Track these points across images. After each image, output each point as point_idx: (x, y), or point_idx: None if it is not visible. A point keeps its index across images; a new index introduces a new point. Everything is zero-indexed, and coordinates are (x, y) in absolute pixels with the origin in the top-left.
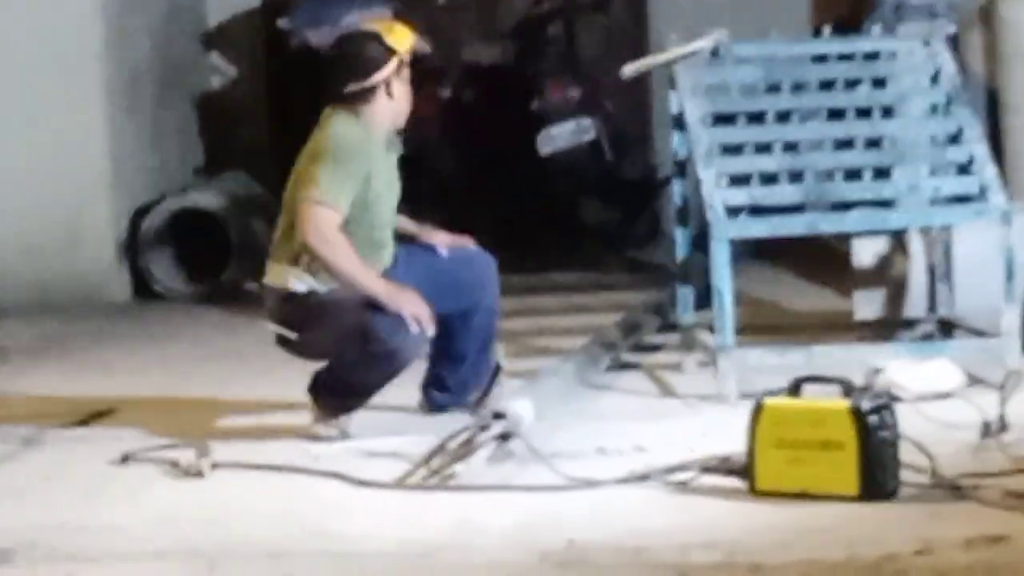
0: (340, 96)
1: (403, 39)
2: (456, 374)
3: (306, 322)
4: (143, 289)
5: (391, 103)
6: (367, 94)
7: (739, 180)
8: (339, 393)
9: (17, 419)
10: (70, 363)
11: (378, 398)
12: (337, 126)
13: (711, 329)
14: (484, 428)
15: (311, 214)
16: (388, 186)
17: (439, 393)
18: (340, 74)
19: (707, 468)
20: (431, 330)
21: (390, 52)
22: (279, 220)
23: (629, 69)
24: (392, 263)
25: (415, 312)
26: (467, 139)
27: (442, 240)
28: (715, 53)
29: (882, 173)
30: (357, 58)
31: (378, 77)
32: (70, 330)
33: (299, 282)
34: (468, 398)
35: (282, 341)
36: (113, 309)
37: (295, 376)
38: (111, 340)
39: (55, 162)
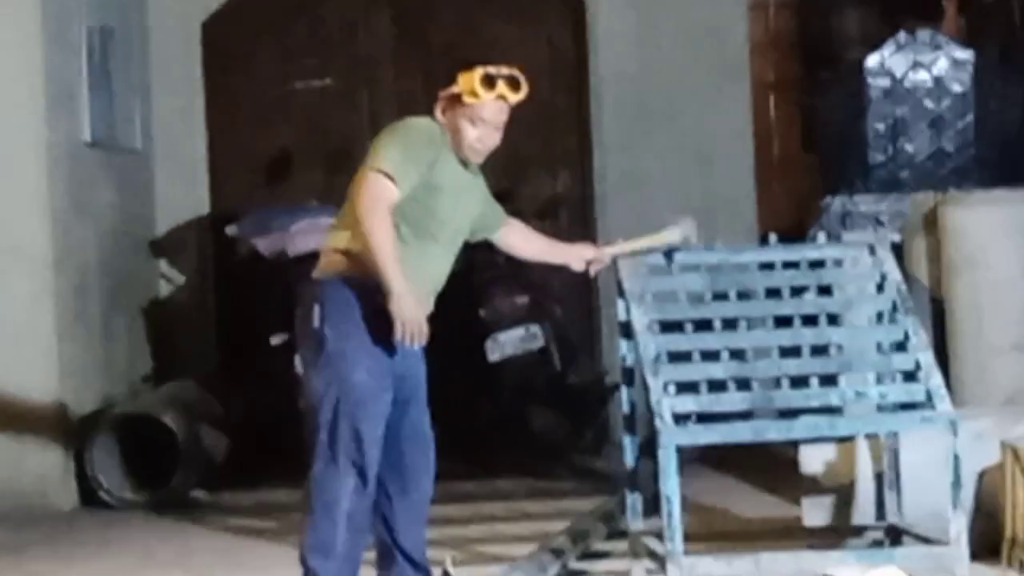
0: None
1: (464, 78)
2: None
3: (323, 316)
4: (90, 497)
5: (450, 124)
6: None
7: (687, 387)
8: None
9: None
10: (15, 573)
11: None
12: (410, 118)
13: (660, 536)
14: None
15: (368, 180)
16: (458, 190)
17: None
18: None
19: None
20: (422, 340)
21: (438, 97)
22: (341, 211)
23: (609, 252)
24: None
25: (411, 324)
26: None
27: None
28: (669, 255)
29: (829, 380)
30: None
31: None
32: (15, 539)
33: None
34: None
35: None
36: (59, 518)
37: None
38: (57, 549)
39: (0, 367)
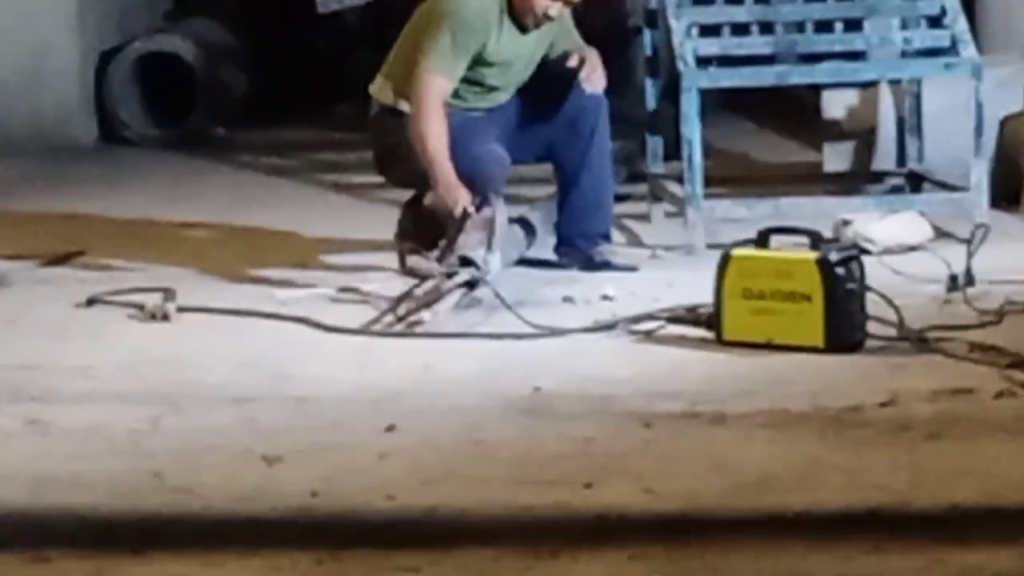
0: None
1: None
2: (563, 223)
3: (396, 140)
4: (109, 133)
5: None
6: None
7: (710, 30)
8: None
9: None
10: (35, 205)
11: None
12: None
13: (680, 180)
14: (451, 275)
15: (420, 81)
16: (514, 57)
17: (559, 246)
18: None
19: (674, 318)
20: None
21: None
22: (400, 37)
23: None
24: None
25: (442, 210)
26: None
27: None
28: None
29: (853, 24)
30: None
31: None
32: (35, 173)
33: (401, 102)
34: (588, 248)
35: (377, 161)
36: (79, 152)
37: (263, 219)
38: (77, 183)
39: (20, 4)
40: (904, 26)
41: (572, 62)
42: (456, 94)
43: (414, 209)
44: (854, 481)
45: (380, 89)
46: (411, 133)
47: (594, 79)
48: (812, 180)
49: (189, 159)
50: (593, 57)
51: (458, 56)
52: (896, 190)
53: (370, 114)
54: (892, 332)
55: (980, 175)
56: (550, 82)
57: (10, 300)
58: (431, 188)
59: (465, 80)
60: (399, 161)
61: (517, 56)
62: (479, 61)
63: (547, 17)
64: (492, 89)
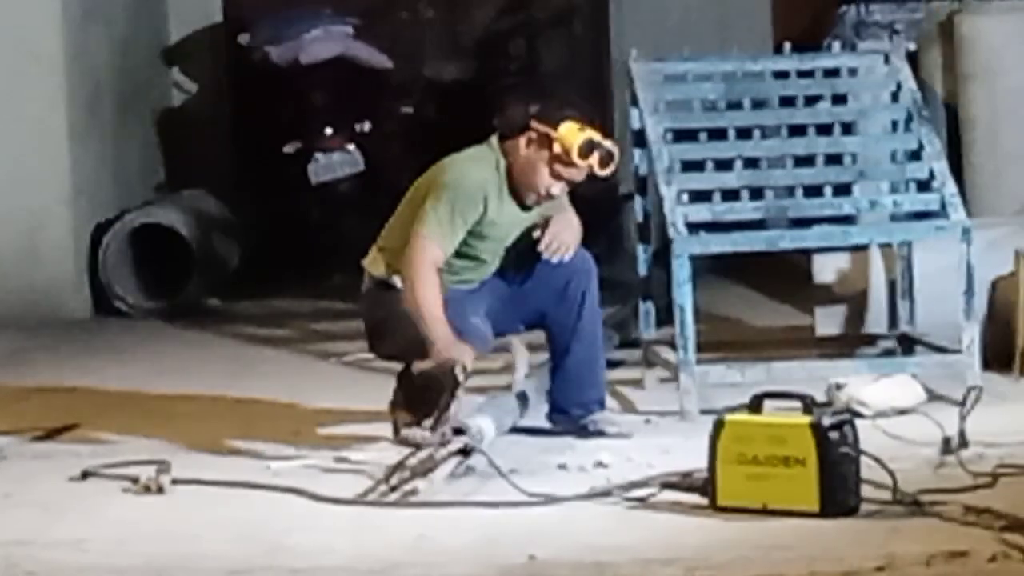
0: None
1: (566, 133)
2: (556, 391)
3: (386, 314)
4: (104, 305)
5: (516, 162)
6: (502, 140)
7: (700, 196)
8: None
9: None
10: (30, 379)
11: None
12: (463, 164)
13: (672, 345)
14: (445, 444)
15: (416, 247)
16: (509, 231)
17: (553, 414)
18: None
19: (668, 484)
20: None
21: (532, 123)
22: (397, 211)
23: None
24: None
25: (440, 368)
26: (428, 155)
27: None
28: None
29: (843, 189)
30: (509, 108)
31: (504, 130)
32: (29, 346)
33: (394, 276)
34: (582, 417)
35: (368, 334)
36: (73, 325)
37: (257, 390)
38: (71, 356)
39: (15, 177)
40: (894, 190)
41: (536, 232)
42: (447, 267)
43: (407, 380)
44: None
45: (373, 262)
46: (406, 299)
47: (553, 248)
48: (804, 344)
49: (183, 331)
50: (556, 225)
51: (456, 226)
52: (888, 353)
53: (362, 287)
54: (887, 496)
55: (972, 337)
56: (536, 250)
57: (4, 474)
58: (428, 353)
59: (456, 253)
60: (389, 334)
61: (513, 229)
62: (475, 234)
63: (549, 196)
64: (483, 263)
